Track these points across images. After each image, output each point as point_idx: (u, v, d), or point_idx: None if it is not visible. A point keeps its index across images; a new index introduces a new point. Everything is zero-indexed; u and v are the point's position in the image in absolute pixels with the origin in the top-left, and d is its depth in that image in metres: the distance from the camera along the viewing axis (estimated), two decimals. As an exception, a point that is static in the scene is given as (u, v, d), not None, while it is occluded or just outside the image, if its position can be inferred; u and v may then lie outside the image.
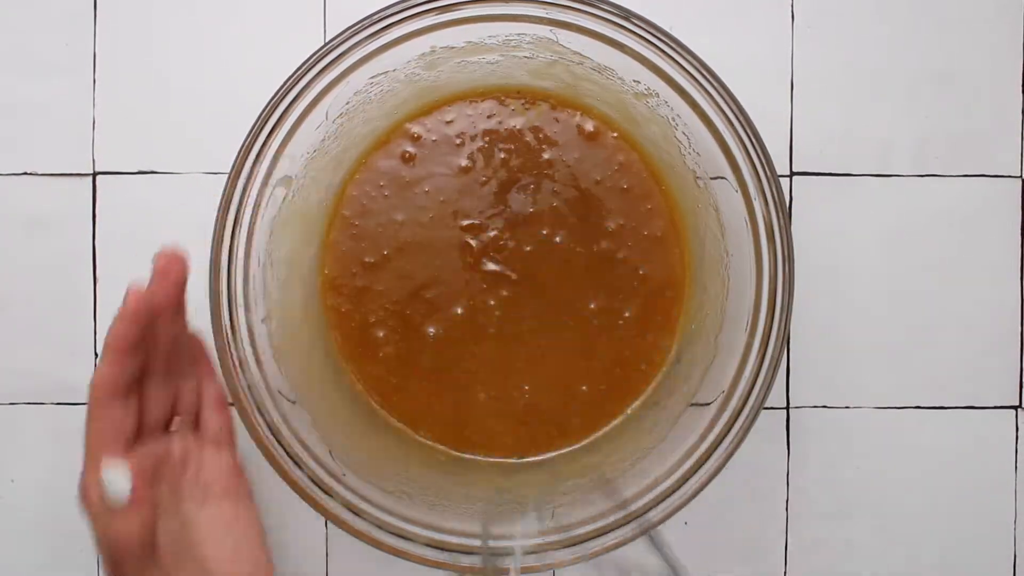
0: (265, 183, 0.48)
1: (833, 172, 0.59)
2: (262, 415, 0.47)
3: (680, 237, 0.54)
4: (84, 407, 0.58)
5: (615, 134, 0.54)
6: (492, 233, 0.53)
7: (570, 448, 0.55)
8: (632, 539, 0.46)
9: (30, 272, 0.58)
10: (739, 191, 0.48)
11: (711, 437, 0.47)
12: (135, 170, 0.58)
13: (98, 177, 0.58)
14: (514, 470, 0.55)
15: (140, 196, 0.58)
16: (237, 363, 0.47)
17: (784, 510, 0.59)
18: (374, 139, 0.54)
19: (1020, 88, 0.59)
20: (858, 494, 0.59)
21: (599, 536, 0.46)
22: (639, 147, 0.54)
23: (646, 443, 0.52)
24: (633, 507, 0.47)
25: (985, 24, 0.59)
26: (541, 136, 0.54)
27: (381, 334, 0.54)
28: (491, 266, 0.52)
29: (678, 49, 0.47)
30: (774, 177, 0.47)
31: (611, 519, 0.47)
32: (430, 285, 0.54)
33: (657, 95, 0.49)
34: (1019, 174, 0.59)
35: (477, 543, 0.47)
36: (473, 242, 0.53)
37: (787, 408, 0.59)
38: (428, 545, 0.46)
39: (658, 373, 0.55)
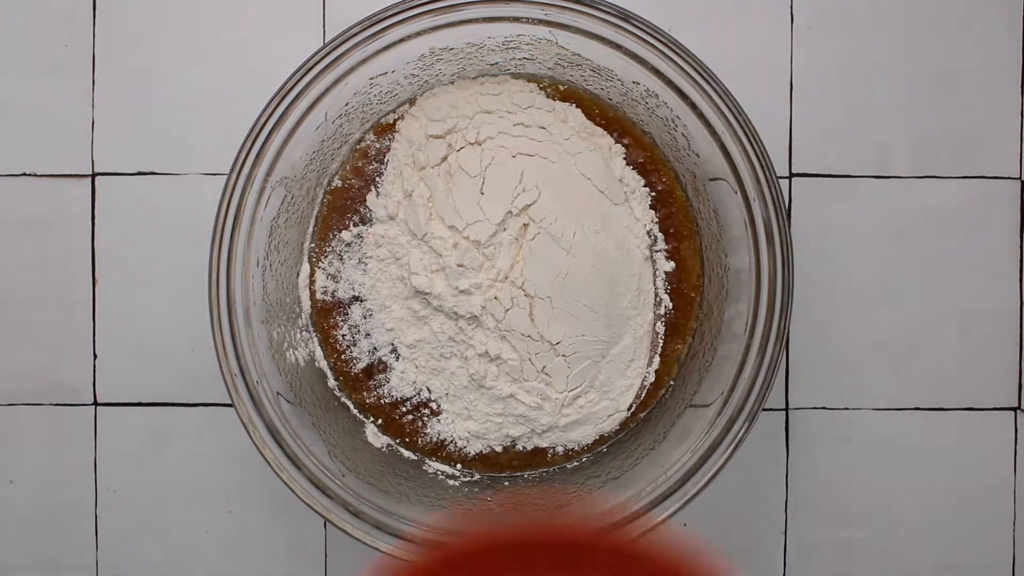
0: (265, 184, 0.48)
1: (832, 173, 0.59)
2: (261, 416, 0.47)
3: (683, 239, 0.54)
4: (83, 408, 0.58)
5: (616, 134, 0.54)
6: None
7: (573, 463, 0.55)
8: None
9: (30, 272, 0.58)
10: (738, 193, 0.47)
11: (710, 438, 0.47)
12: (134, 171, 0.58)
13: (97, 178, 0.58)
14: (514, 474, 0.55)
15: (139, 197, 0.58)
16: (236, 364, 0.47)
17: (784, 511, 0.59)
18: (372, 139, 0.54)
19: (1019, 88, 0.59)
20: (857, 495, 0.59)
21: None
22: (642, 146, 0.54)
23: (646, 444, 0.52)
24: (632, 509, 0.47)
25: (985, 24, 0.59)
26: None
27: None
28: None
29: (677, 50, 0.47)
30: (773, 178, 0.47)
31: (609, 521, 0.47)
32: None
33: (656, 96, 0.49)
34: (1018, 175, 0.59)
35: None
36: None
37: (786, 410, 0.59)
38: (427, 546, 0.46)
39: (664, 377, 0.55)
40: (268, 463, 0.47)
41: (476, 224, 0.51)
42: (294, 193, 0.51)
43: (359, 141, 0.54)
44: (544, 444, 0.54)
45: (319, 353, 0.54)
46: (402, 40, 0.48)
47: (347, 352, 0.54)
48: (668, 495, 0.47)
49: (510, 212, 0.51)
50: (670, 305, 0.54)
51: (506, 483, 0.54)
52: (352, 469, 0.49)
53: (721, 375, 0.49)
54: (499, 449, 0.54)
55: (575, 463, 0.55)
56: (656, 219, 0.54)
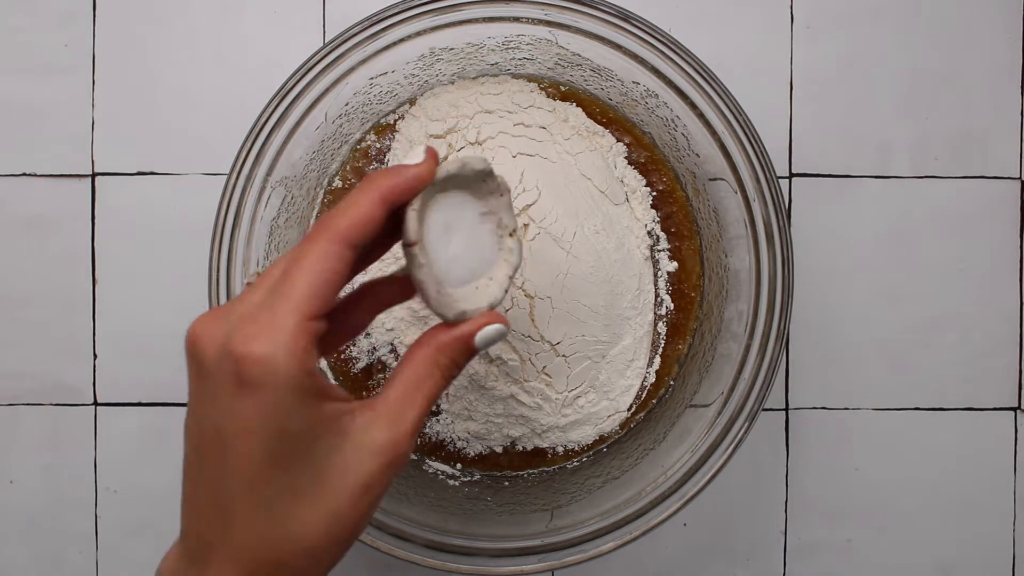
0: (265, 184, 0.48)
1: (832, 173, 0.59)
2: (261, 416, 0.47)
3: (683, 239, 0.54)
4: (83, 408, 0.58)
5: (616, 134, 0.54)
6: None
7: (573, 463, 0.55)
8: (631, 541, 0.46)
9: (30, 272, 0.58)
10: (738, 193, 0.47)
11: (710, 438, 0.47)
12: (134, 171, 0.58)
13: (97, 178, 0.58)
14: (514, 473, 0.55)
15: (139, 197, 0.58)
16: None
17: (784, 511, 0.59)
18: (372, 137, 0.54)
19: (1019, 88, 0.59)
20: (857, 495, 0.59)
21: (598, 537, 0.46)
22: (642, 146, 0.54)
23: (646, 444, 0.52)
24: (632, 509, 0.47)
25: (985, 24, 0.59)
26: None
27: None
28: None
29: (677, 50, 0.47)
30: (773, 178, 0.47)
31: (609, 521, 0.47)
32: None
33: (656, 96, 0.49)
34: (1018, 175, 0.59)
35: (477, 544, 0.47)
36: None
37: (786, 409, 0.59)
38: (427, 546, 0.46)
39: (664, 377, 0.55)
40: (268, 463, 0.47)
41: (476, 224, 0.51)
42: (294, 193, 0.51)
43: (359, 141, 0.54)
44: (544, 444, 0.54)
45: (319, 353, 0.54)
46: (402, 40, 0.48)
47: (347, 352, 0.54)
48: (668, 495, 0.47)
49: (510, 212, 0.51)
50: (671, 305, 0.54)
51: (506, 483, 0.54)
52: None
53: (721, 375, 0.49)
54: (499, 449, 0.54)
55: (575, 463, 0.55)
56: (658, 218, 0.54)
